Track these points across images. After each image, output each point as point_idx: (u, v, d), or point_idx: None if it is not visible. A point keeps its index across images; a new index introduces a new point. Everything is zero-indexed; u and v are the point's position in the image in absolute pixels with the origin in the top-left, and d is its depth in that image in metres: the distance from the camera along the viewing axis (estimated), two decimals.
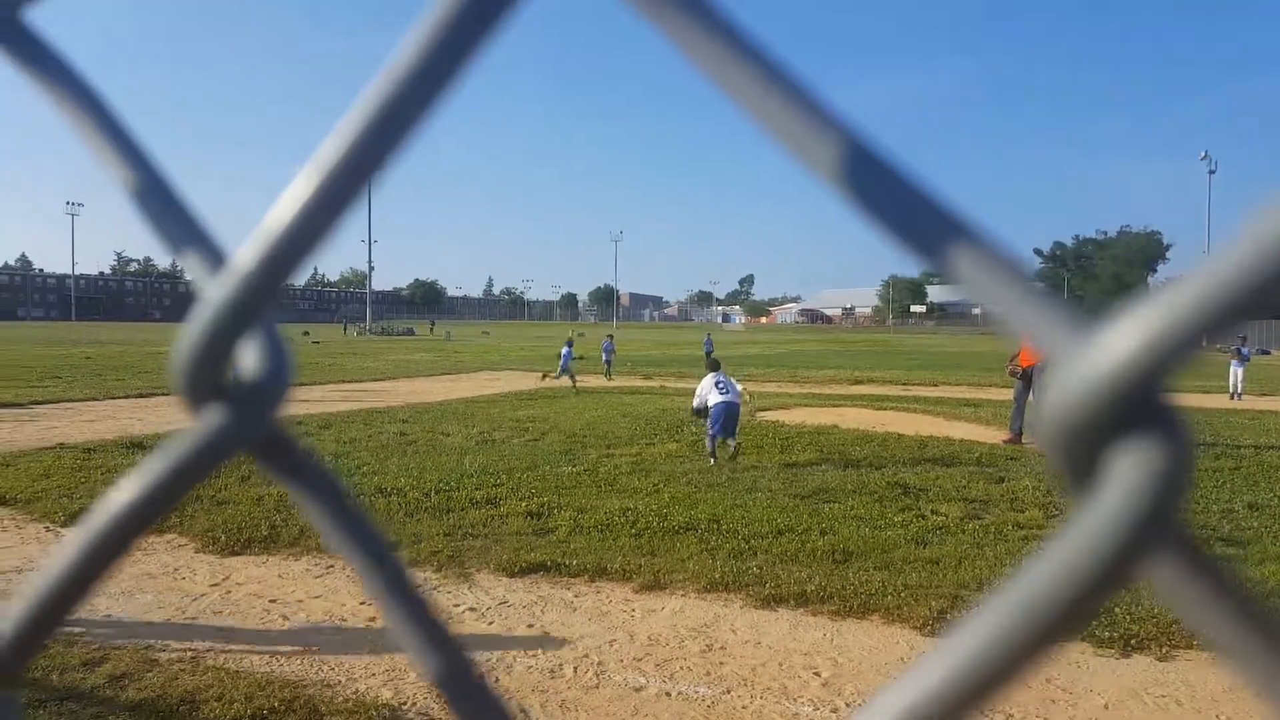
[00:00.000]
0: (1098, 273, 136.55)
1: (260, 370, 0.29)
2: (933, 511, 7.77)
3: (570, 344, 22.26)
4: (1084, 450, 0.21)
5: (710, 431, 10.11)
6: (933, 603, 5.31)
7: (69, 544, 0.30)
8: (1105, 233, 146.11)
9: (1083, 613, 0.20)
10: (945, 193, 0.26)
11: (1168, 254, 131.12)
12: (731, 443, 10.20)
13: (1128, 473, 0.20)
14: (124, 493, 0.28)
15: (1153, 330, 0.20)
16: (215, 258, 0.31)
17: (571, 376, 20.13)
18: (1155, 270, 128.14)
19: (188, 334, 0.28)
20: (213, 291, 0.27)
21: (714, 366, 11.12)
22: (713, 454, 10.10)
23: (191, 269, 0.31)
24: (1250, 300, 0.19)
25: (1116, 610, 5.03)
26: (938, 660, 0.22)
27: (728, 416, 10.04)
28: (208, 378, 0.28)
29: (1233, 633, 0.21)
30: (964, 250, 0.24)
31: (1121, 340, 0.20)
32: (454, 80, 0.24)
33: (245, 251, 0.26)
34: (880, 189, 0.25)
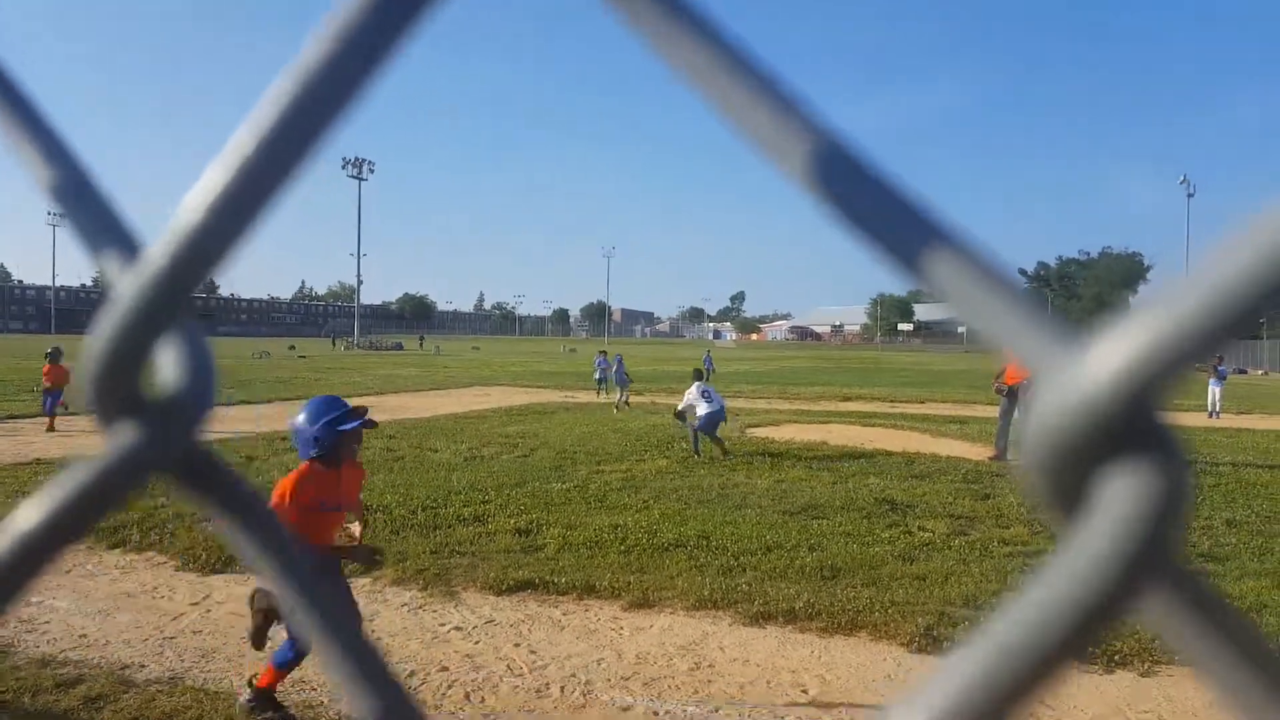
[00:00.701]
0: (1080, 293, 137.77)
1: (179, 383, 0.26)
2: (920, 528, 7.75)
3: (604, 355, 22.66)
4: (1072, 474, 0.18)
5: (693, 430, 11.62)
6: (920, 619, 5.28)
7: None
8: (1088, 253, 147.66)
9: (1072, 654, 0.18)
10: (929, 202, 0.24)
11: (1148, 275, 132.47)
12: (715, 443, 11.56)
13: (1120, 499, 0.18)
14: (24, 519, 0.26)
15: (1145, 342, 0.18)
16: (134, 258, 0.28)
17: (618, 391, 20.12)
18: (1136, 291, 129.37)
19: (95, 341, 0.25)
20: (123, 291, 0.25)
21: (698, 376, 12.65)
22: (696, 450, 11.60)
23: (109, 270, 0.29)
24: (1250, 308, 0.17)
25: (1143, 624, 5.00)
26: (920, 706, 0.19)
27: (711, 422, 11.54)
28: (119, 390, 0.26)
29: (1232, 670, 0.19)
30: (946, 259, 0.22)
31: (1111, 354, 0.18)
32: (374, 70, 0.22)
33: (156, 248, 0.23)
34: (859, 194, 0.23)
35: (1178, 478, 0.18)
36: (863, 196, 0.24)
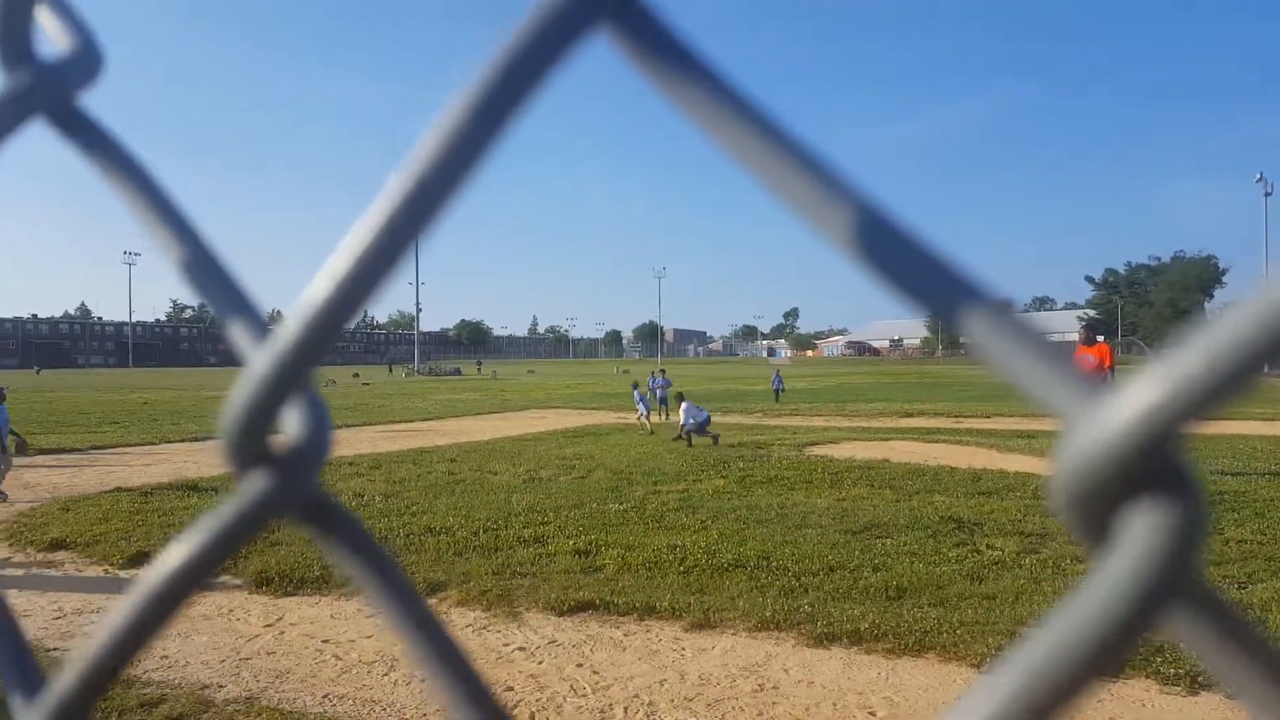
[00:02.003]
0: (1152, 299, 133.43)
1: (301, 434, 0.30)
2: (988, 546, 7.57)
3: (654, 376, 23.02)
4: (1098, 511, 0.21)
5: (687, 427, 15.52)
6: (990, 640, 5.16)
7: (125, 602, 0.32)
8: (1159, 258, 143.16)
9: (1099, 672, 0.20)
10: (967, 249, 0.26)
11: (1224, 278, 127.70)
12: (710, 437, 15.54)
13: (1141, 532, 0.20)
14: (175, 554, 0.30)
15: (1163, 390, 0.20)
16: (258, 326, 0.33)
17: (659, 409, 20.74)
18: (1212, 296, 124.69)
19: (233, 402, 0.29)
20: (257, 362, 0.29)
21: (680, 396, 17.06)
22: (683, 438, 15.64)
23: (236, 337, 0.33)
24: (1257, 360, 0.19)
25: (1182, 646, 4.83)
26: (964, 713, 0.22)
27: (700, 426, 15.52)
28: (252, 443, 0.30)
29: (1253, 681, 0.21)
30: (981, 316, 0.25)
31: (1132, 402, 0.21)
32: (486, 155, 0.25)
33: (286, 324, 0.27)
34: (894, 255, 0.26)
35: (1194, 512, 0.20)
36: (901, 259, 0.26)
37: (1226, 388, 0.20)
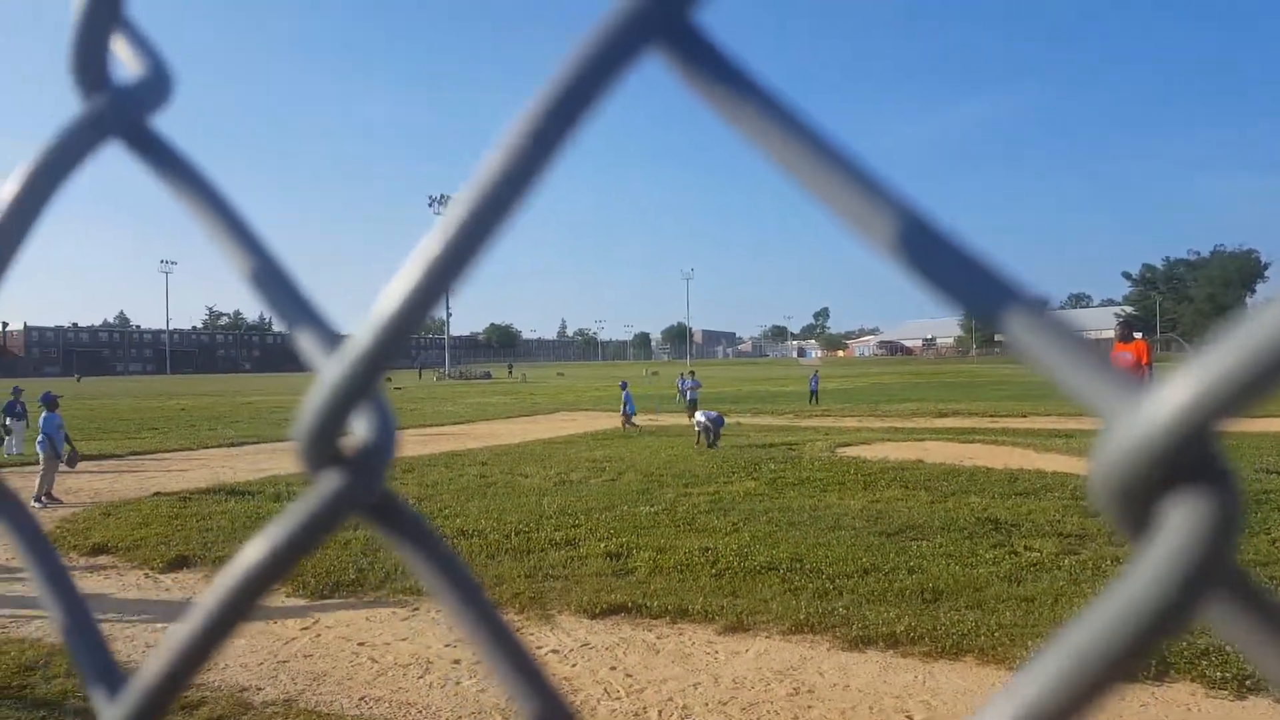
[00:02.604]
0: (1192, 294, 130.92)
1: (369, 437, 0.32)
2: (1026, 548, 7.47)
3: (683, 378, 23.63)
4: (1138, 504, 0.22)
5: (706, 429, 15.74)
6: (1029, 643, 5.10)
7: (205, 599, 0.34)
8: (1198, 253, 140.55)
9: (1138, 659, 0.21)
10: (1000, 246, 0.27)
11: (1266, 273, 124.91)
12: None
13: (1181, 524, 0.21)
14: (252, 553, 0.32)
15: (1199, 386, 0.21)
16: (326, 336, 0.35)
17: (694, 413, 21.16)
18: (1254, 290, 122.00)
19: (307, 408, 0.31)
20: (328, 371, 0.31)
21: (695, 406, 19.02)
22: (711, 443, 15.40)
23: (305, 347, 0.35)
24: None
25: (1228, 649, 4.74)
26: (1000, 706, 0.23)
27: (716, 425, 15.97)
28: (324, 447, 0.31)
29: None
30: (1021, 317, 0.26)
31: (1169, 399, 0.21)
32: (544, 171, 0.27)
33: (358, 335, 0.29)
34: (936, 258, 0.27)
35: (1229, 503, 0.21)
36: (943, 262, 0.27)
37: (1261, 384, 0.21)
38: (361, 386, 0.30)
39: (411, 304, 0.28)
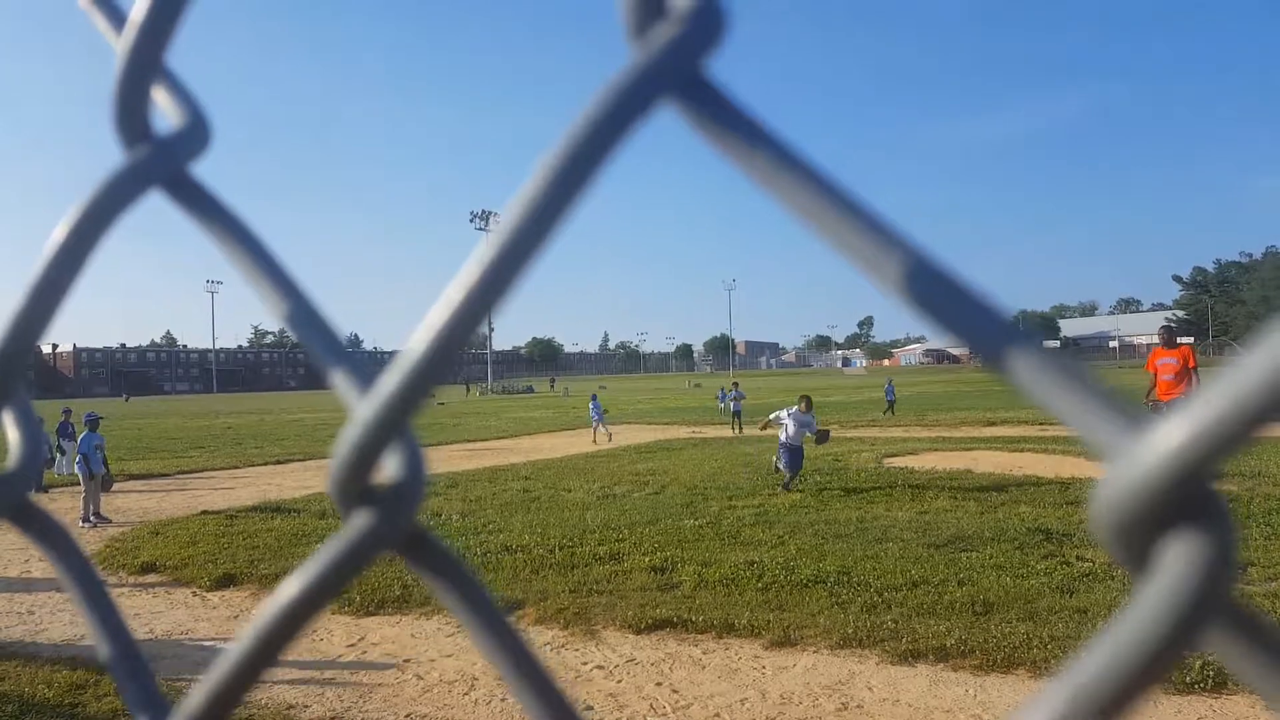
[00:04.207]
0: (1244, 297, 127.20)
1: (400, 475, 0.33)
2: (1078, 558, 7.30)
3: (724, 391, 23.82)
4: (1138, 540, 0.22)
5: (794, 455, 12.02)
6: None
7: (243, 635, 0.35)
8: (1250, 254, 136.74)
9: (1143, 689, 0.22)
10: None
11: None
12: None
13: (1177, 563, 0.21)
14: (289, 588, 0.33)
15: (1197, 428, 0.21)
16: (358, 375, 0.36)
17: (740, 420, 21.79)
18: None
19: (339, 448, 0.33)
20: (361, 410, 0.32)
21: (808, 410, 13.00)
22: (787, 475, 11.94)
23: (338, 385, 0.36)
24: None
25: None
26: None
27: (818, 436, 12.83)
28: (356, 485, 0.33)
29: None
30: (1025, 355, 0.26)
31: (1168, 438, 0.22)
32: (565, 218, 0.28)
33: (389, 375, 0.31)
34: (941, 300, 0.27)
35: (1224, 542, 0.22)
36: (949, 304, 0.28)
37: (1252, 424, 0.21)
38: (391, 427, 0.31)
39: (439, 347, 0.29)
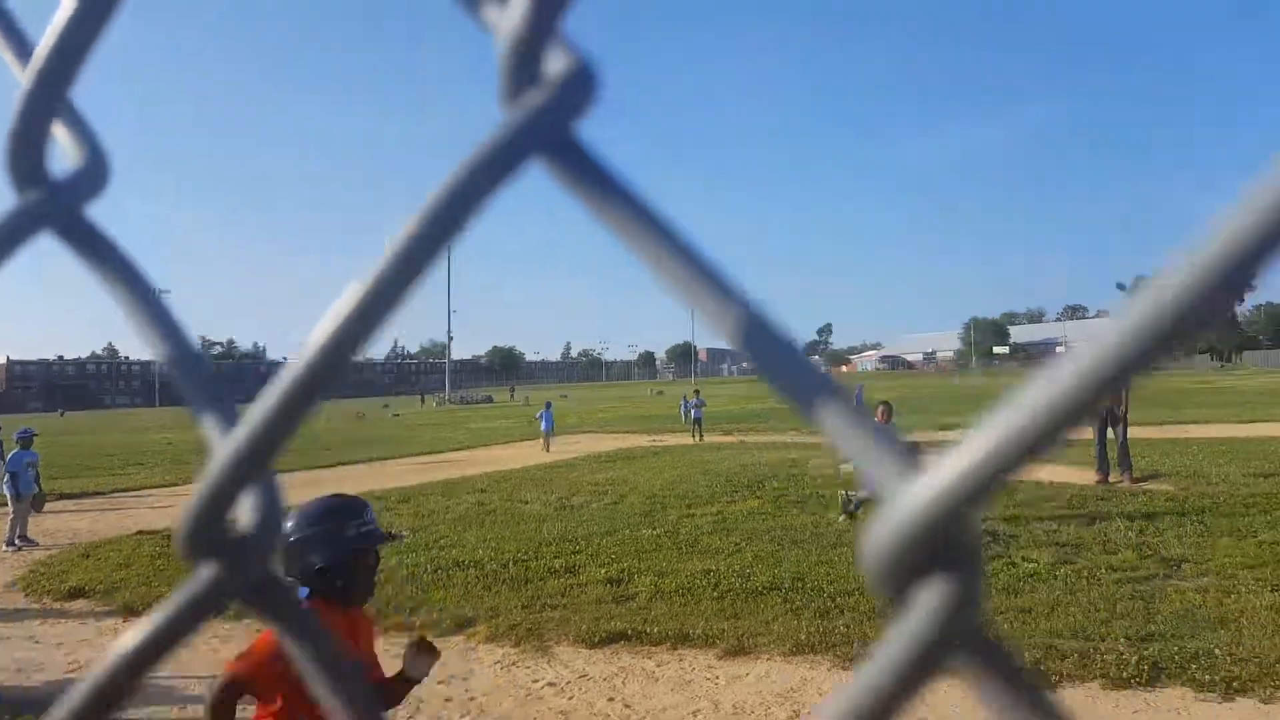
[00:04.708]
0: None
1: (252, 523, 0.34)
2: (1023, 558, 7.47)
3: (686, 399, 24.91)
4: (900, 579, 0.25)
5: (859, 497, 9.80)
6: (1027, 654, 5.08)
7: (76, 689, 0.35)
8: None
9: (898, 707, 0.24)
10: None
11: (1253, 282, 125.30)
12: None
13: (928, 598, 0.24)
14: (125, 642, 0.34)
15: (956, 474, 0.24)
16: (226, 422, 0.37)
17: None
18: (1243, 300, 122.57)
19: (191, 499, 0.33)
20: (213, 461, 0.33)
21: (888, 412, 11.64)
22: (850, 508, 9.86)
23: (209, 432, 0.37)
24: (1038, 444, 0.23)
25: (1216, 652, 4.76)
26: None
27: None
28: (207, 535, 0.34)
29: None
30: (830, 404, 0.29)
31: (930, 484, 0.24)
32: (433, 263, 0.30)
33: (244, 421, 0.32)
34: (766, 351, 0.30)
35: (970, 587, 0.25)
36: (773, 354, 0.31)
37: (1009, 468, 0.24)
38: (246, 474, 0.32)
39: (296, 391, 0.31)
